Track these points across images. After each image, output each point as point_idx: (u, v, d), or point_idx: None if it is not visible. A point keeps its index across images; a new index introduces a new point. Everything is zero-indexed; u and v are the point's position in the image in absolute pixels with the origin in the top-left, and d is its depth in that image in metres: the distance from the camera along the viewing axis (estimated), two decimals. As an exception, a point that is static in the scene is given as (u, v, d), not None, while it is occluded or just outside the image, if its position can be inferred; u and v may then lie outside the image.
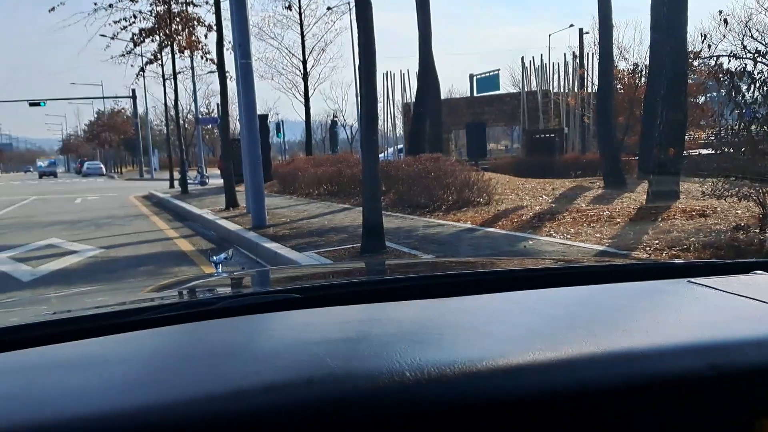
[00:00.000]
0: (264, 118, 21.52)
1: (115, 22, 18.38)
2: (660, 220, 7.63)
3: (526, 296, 1.10)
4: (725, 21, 10.56)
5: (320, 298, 1.17)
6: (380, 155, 7.61)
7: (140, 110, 49.14)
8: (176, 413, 0.61)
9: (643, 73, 18.20)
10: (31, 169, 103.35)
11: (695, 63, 15.23)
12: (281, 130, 36.51)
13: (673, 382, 0.72)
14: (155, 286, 1.89)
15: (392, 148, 32.07)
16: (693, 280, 1.13)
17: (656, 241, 6.34)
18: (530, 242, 6.86)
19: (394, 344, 0.79)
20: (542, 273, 1.47)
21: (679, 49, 9.43)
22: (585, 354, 0.74)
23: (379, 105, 20.03)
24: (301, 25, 28.29)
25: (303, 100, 29.06)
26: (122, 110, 62.81)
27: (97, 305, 1.47)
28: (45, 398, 0.66)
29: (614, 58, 16.13)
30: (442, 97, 20.64)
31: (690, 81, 12.77)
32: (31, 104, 44.43)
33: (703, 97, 18.28)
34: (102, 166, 61.05)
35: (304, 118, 29.38)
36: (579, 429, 0.69)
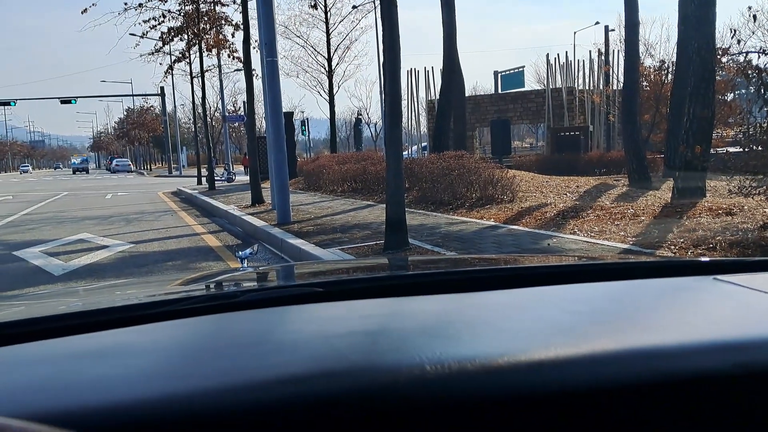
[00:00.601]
0: (289, 115, 21.71)
1: (144, 21, 18.69)
2: (685, 218, 7.58)
3: (547, 292, 1.09)
4: (754, 17, 10.44)
5: (342, 292, 1.18)
6: (404, 153, 7.62)
7: (169, 108, 49.80)
8: (198, 403, 0.62)
9: (670, 70, 18.00)
10: (60, 166, 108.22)
11: (723, 59, 15.03)
12: (306, 127, 36.71)
13: (698, 381, 0.71)
14: (183, 280, 1.94)
15: (416, 146, 32.08)
16: (718, 277, 1.11)
17: (681, 240, 6.30)
18: (554, 240, 6.87)
19: (415, 338, 0.80)
20: (564, 269, 1.46)
21: (708, 45, 9.32)
22: (607, 350, 0.73)
23: (403, 102, 20.04)
24: (327, 23, 28.42)
25: (328, 98, 29.21)
26: (151, 108, 63.75)
27: (126, 297, 1.52)
28: (74, 387, 0.67)
29: (640, 55, 15.96)
30: (467, 94, 20.60)
31: (718, 78, 12.60)
32: (63, 102, 45.25)
33: (732, 94, 18.03)
34: (130, 163, 64.17)
35: (328, 116, 29.54)
36: (601, 426, 0.68)
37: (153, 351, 0.81)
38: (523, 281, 1.18)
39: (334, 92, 29.16)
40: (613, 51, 27.05)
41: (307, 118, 40.75)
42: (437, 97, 18.62)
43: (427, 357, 0.69)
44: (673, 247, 6.07)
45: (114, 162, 65.84)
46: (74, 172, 64.94)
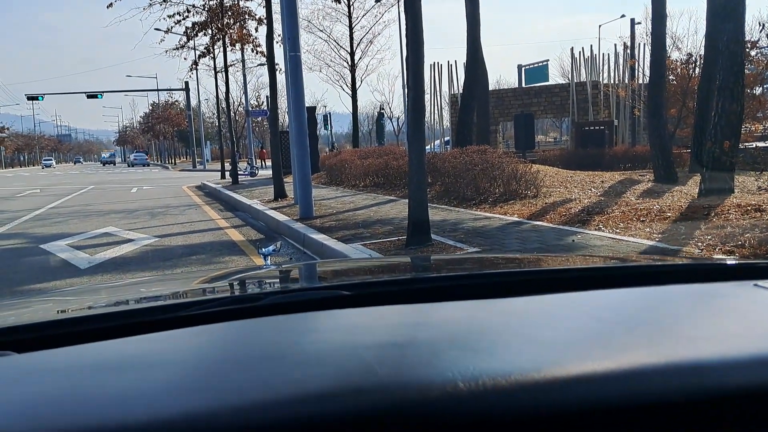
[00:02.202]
0: (312, 110, 21.77)
1: (169, 17, 18.85)
2: (713, 215, 7.45)
3: (579, 298, 1.06)
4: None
5: (368, 296, 1.17)
6: (426, 147, 7.58)
7: (193, 102, 50.19)
8: (219, 422, 0.59)
9: (698, 63, 17.71)
10: (81, 160, 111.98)
11: (752, 53, 14.73)
12: (329, 122, 36.77)
13: (743, 396, 0.67)
14: (206, 277, 1.94)
15: (439, 140, 31.97)
16: (759, 283, 1.06)
17: (709, 237, 6.20)
18: (578, 236, 6.80)
19: (446, 351, 0.77)
20: (595, 273, 1.41)
21: (737, 38, 9.15)
22: (646, 364, 0.70)
23: (426, 96, 19.97)
24: (350, 17, 28.44)
25: (350, 92, 29.24)
26: (176, 102, 64.44)
27: (148, 298, 1.53)
28: (93, 401, 0.65)
29: (667, 48, 15.72)
30: (490, 88, 20.47)
31: (747, 71, 12.35)
32: (89, 96, 45.83)
33: (760, 88, 17.68)
34: (146, 156, 70.66)
35: (351, 110, 29.57)
36: None
37: (175, 362, 0.79)
38: (553, 285, 1.15)
39: (357, 86, 29.21)
40: (639, 44, 26.72)
41: (330, 113, 40.77)
42: (460, 90, 18.52)
43: (459, 372, 0.66)
44: (700, 244, 5.97)
45: (132, 156, 73.41)
46: (103, 165, 79.64)
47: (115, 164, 79.89)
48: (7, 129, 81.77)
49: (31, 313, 1.38)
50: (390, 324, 0.94)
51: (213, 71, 23.81)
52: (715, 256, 5.37)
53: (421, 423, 0.61)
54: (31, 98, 46.55)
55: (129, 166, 64.79)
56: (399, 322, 0.95)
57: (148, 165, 64.59)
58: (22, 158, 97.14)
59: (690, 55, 19.24)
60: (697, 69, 17.40)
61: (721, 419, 0.67)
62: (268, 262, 2.16)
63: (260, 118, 45.12)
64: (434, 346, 0.80)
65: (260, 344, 0.86)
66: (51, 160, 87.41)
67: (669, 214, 7.67)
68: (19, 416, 0.62)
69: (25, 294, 5.46)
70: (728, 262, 1.40)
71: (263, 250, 2.18)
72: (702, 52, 14.39)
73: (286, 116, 14.59)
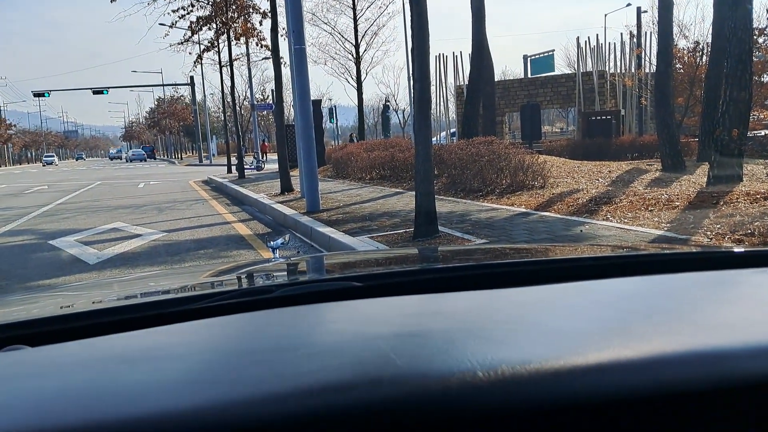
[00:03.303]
0: (317, 103, 21.73)
1: (173, 11, 18.90)
2: (722, 203, 7.41)
3: (593, 287, 1.05)
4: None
5: (379, 287, 1.16)
6: (432, 139, 7.56)
7: (198, 97, 50.29)
8: (235, 414, 0.59)
9: (705, 51, 17.59)
10: (84, 157, 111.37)
11: (760, 40, 14.62)
12: (334, 115, 36.75)
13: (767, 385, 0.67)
14: (215, 271, 1.94)
15: (444, 132, 31.91)
16: None
17: (718, 226, 6.17)
18: (586, 226, 6.77)
19: (463, 341, 0.76)
20: (608, 261, 1.39)
21: (745, 25, 9.06)
22: (667, 352, 0.69)
23: (432, 88, 19.93)
24: (354, 9, 28.37)
25: (355, 85, 29.21)
26: (181, 97, 64.59)
27: (158, 291, 1.52)
28: (108, 395, 0.65)
29: (674, 36, 15.61)
30: (496, 79, 20.40)
31: (755, 59, 12.26)
32: (95, 92, 45.98)
33: (769, 76, 17.54)
34: (144, 153, 73.01)
35: (356, 103, 29.53)
36: None
37: (189, 354, 0.79)
38: (566, 275, 1.14)
39: (362, 79, 29.16)
40: (646, 33, 26.54)
41: (335, 106, 40.76)
42: (466, 82, 18.47)
43: (478, 362, 0.66)
44: (709, 233, 5.94)
45: (130, 153, 76.66)
46: (111, 159, 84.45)
47: (121, 159, 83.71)
48: (14, 126, 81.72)
49: (42, 308, 1.38)
50: (404, 314, 0.93)
51: (218, 65, 23.80)
52: (726, 245, 5.35)
53: (441, 412, 0.60)
54: (38, 95, 46.70)
55: (127, 161, 67.29)
56: (413, 312, 0.94)
57: (145, 160, 67.23)
58: (29, 155, 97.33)
59: (697, 43, 19.11)
60: (705, 57, 17.29)
61: (746, 406, 0.66)
62: (277, 254, 2.16)
63: (266, 112, 45.12)
64: (450, 336, 0.79)
65: (274, 336, 0.85)
66: (53, 156, 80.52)
67: (677, 203, 7.63)
68: (36, 409, 0.62)
69: (34, 289, 5.49)
70: (742, 250, 1.38)
71: (272, 243, 2.18)
72: (709, 40, 14.28)
73: (292, 109, 14.59)
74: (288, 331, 0.88)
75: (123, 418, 0.59)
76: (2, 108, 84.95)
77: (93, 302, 1.38)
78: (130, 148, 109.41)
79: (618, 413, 0.63)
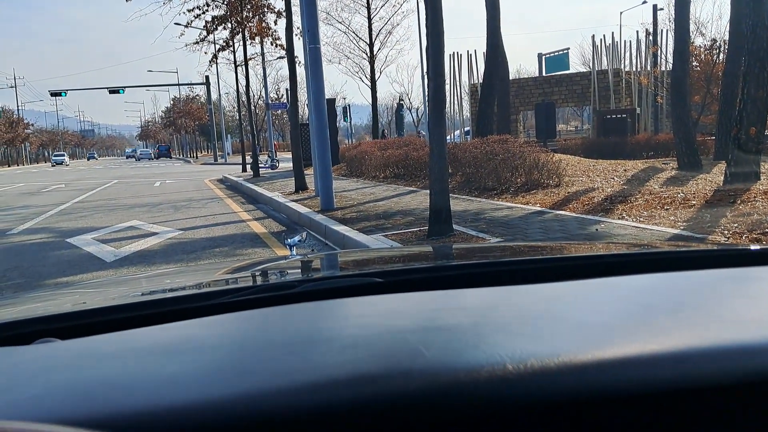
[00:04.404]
0: (331, 102, 21.78)
1: (189, 11, 18.98)
2: (739, 202, 7.35)
3: (616, 283, 1.05)
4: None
5: (401, 282, 1.16)
6: (447, 137, 7.56)
7: (214, 96, 50.47)
8: (272, 403, 0.60)
9: (722, 49, 17.42)
10: (95, 156, 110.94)
11: (780, 37, 14.43)
12: (348, 114, 36.78)
13: None
14: (233, 267, 1.95)
15: (459, 130, 31.84)
16: None
17: (735, 225, 6.12)
18: (602, 225, 6.75)
19: (491, 335, 0.77)
20: (630, 258, 1.39)
21: (763, 22, 8.96)
22: (693, 347, 0.69)
23: (446, 86, 19.96)
24: (369, 8, 28.40)
25: (369, 84, 29.24)
26: (197, 97, 64.97)
27: (181, 287, 1.53)
28: (145, 385, 0.66)
29: (691, 33, 15.47)
30: (510, 77, 20.33)
31: (774, 56, 12.10)
32: (111, 92, 46.30)
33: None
34: (151, 152, 79.27)
35: (370, 102, 29.57)
36: (690, 427, 0.64)
37: (223, 345, 0.80)
38: (588, 271, 1.13)
39: (376, 78, 29.18)
40: (662, 30, 26.30)
41: (349, 104, 40.75)
42: (480, 80, 18.42)
43: (507, 355, 0.66)
44: (726, 232, 5.90)
45: (138, 151, 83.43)
46: (126, 158, 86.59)
47: (137, 158, 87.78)
48: (32, 125, 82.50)
49: (66, 303, 1.40)
50: (429, 309, 0.94)
51: (233, 65, 23.93)
52: (743, 244, 5.30)
53: (471, 405, 0.61)
54: (55, 94, 47.14)
55: (136, 160, 70.95)
56: (438, 307, 0.95)
57: (151, 158, 72.06)
58: (46, 154, 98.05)
59: (714, 40, 18.94)
60: (722, 55, 17.13)
61: None
62: (294, 252, 2.17)
63: (280, 111, 45.25)
64: (478, 330, 0.80)
65: (305, 328, 0.86)
66: (63, 156, 72.23)
67: (693, 202, 7.58)
68: (75, 399, 0.63)
69: (52, 287, 5.56)
70: (760, 248, 1.38)
71: (289, 240, 2.19)
72: (726, 38, 14.15)
73: (306, 108, 14.63)
74: (317, 324, 0.89)
75: (163, 405, 0.60)
76: (20, 107, 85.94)
77: (117, 297, 1.39)
78: (146, 147, 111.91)
79: (645, 406, 0.63)
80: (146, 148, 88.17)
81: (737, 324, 0.79)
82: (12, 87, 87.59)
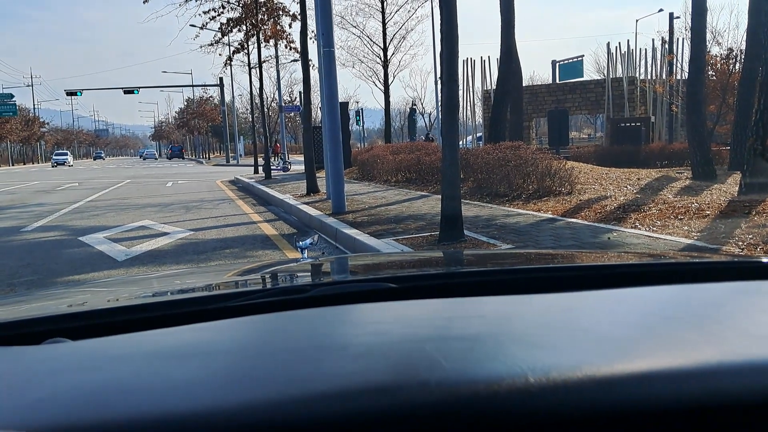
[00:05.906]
0: (344, 105, 21.81)
1: (204, 13, 19.08)
2: (754, 213, 7.28)
3: (634, 294, 1.03)
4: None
5: (414, 288, 1.14)
6: (459, 143, 7.55)
7: (227, 98, 50.78)
8: (282, 413, 0.58)
9: (738, 58, 17.30)
10: (103, 156, 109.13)
11: (797, 47, 14.32)
12: (361, 117, 36.85)
13: None
14: (244, 269, 1.94)
15: (471, 136, 31.81)
16: None
17: (750, 236, 6.06)
18: (614, 234, 6.70)
19: (511, 345, 0.75)
20: (648, 269, 1.35)
21: (780, 32, 8.90)
22: (715, 362, 0.68)
23: (459, 92, 19.97)
24: (383, 13, 28.44)
25: (383, 88, 29.26)
26: (210, 98, 65.30)
27: (192, 288, 1.52)
28: (156, 390, 0.64)
29: (707, 42, 15.37)
30: (524, 83, 20.28)
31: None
32: (126, 92, 46.60)
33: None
34: (155, 152, 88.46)
35: (383, 106, 29.59)
36: None
37: (234, 350, 0.79)
38: (603, 281, 1.11)
39: (389, 82, 29.20)
40: (678, 39, 26.17)
41: (362, 108, 40.87)
42: (493, 86, 18.40)
43: (528, 367, 0.65)
44: (741, 243, 5.84)
45: (145, 151, 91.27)
46: (144, 159, 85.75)
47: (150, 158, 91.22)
48: (47, 124, 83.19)
49: (77, 303, 1.40)
50: (446, 317, 0.92)
51: (247, 67, 24.01)
52: (758, 256, 5.24)
53: (491, 419, 0.59)
54: (70, 93, 47.49)
55: (143, 159, 78.25)
56: (454, 315, 0.93)
57: (156, 158, 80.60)
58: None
59: (731, 50, 18.81)
60: (738, 64, 17.01)
61: None
62: (305, 254, 2.16)
63: (293, 114, 45.38)
64: (497, 340, 0.78)
65: (318, 335, 0.85)
66: (65, 156, 59.91)
67: (708, 212, 7.51)
68: (82, 403, 0.62)
69: (64, 285, 5.58)
70: None
71: (300, 243, 2.18)
72: (743, 48, 14.05)
73: (319, 111, 14.66)
74: (331, 330, 0.87)
75: (176, 411, 0.58)
76: (36, 106, 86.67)
77: (128, 298, 1.39)
78: (158, 148, 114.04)
79: (671, 422, 0.62)
80: (153, 149, 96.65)
81: (763, 339, 0.77)
82: (29, 86, 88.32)
